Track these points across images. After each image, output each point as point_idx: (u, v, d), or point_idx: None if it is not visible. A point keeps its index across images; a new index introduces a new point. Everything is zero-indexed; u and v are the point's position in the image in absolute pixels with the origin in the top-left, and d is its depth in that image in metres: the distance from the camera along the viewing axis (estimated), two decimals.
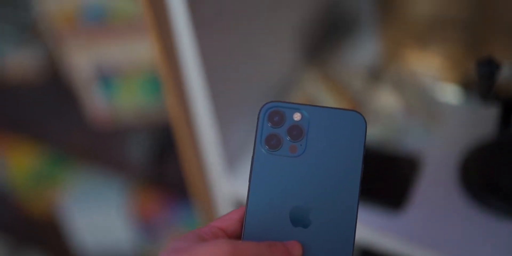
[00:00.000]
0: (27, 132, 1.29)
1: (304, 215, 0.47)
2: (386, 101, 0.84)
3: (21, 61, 1.34)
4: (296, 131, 0.47)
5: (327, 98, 0.84)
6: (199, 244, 0.43)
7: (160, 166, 1.17)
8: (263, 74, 0.82)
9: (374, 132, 0.82)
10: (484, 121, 0.82)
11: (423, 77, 0.88)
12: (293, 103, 0.48)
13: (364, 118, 0.47)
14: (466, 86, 0.85)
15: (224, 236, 0.47)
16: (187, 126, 0.76)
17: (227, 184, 0.81)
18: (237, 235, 0.48)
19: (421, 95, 0.85)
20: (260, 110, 0.48)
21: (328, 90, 0.85)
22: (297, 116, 0.47)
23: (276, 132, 0.47)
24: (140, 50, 1.14)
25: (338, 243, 0.46)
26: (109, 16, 1.11)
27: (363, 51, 0.95)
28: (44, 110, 1.30)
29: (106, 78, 1.19)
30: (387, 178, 0.76)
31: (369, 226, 0.72)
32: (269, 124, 0.47)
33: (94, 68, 1.18)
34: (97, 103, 1.23)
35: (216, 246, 0.42)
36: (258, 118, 0.48)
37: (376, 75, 0.89)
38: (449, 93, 0.87)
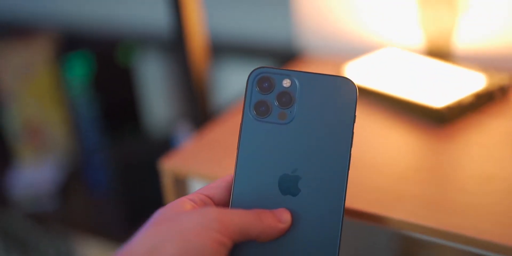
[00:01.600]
0: None
1: (293, 183, 0.45)
2: None
3: None
4: (286, 98, 0.46)
5: None
6: (184, 213, 0.42)
7: None
8: None
9: None
10: None
11: None
12: (282, 69, 0.46)
13: (355, 84, 0.45)
14: None
15: (212, 204, 0.45)
16: None
17: None
18: (224, 203, 0.46)
19: None
20: (249, 76, 0.46)
21: None
22: (286, 83, 0.46)
23: (265, 99, 0.46)
24: None
25: (327, 211, 0.44)
26: None
27: None
28: None
29: None
30: None
31: None
32: (258, 91, 0.46)
33: None
34: None
35: (203, 214, 0.41)
36: (246, 84, 0.46)
37: None
38: None
